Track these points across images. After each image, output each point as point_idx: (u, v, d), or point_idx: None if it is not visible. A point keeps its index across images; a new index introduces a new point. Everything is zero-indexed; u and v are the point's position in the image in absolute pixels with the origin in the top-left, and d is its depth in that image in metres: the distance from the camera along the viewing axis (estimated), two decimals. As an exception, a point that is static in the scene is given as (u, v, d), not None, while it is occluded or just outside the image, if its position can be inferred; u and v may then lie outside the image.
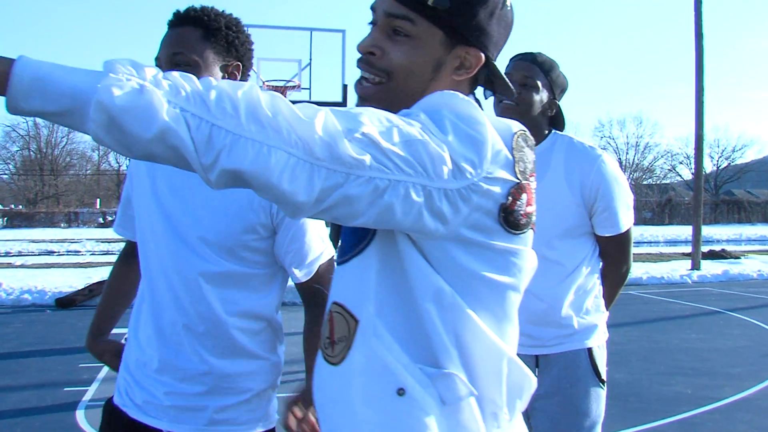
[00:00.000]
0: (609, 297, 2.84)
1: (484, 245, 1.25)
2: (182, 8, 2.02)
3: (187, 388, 1.94)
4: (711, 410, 6.05)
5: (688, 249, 21.04)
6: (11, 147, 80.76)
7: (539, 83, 2.69)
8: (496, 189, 1.22)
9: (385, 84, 1.33)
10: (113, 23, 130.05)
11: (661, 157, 76.64)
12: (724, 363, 7.92)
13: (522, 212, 1.27)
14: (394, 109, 1.24)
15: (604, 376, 2.71)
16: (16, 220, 57.20)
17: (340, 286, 1.37)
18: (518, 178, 1.26)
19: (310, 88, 14.53)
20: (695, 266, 18.24)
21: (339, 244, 1.40)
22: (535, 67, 2.72)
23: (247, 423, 1.99)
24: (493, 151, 1.21)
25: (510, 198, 1.25)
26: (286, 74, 14.49)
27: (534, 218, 1.33)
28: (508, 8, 1.38)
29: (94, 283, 13.04)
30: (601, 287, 2.79)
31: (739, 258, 21.87)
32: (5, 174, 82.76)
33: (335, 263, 1.56)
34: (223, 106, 1.06)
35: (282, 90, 14.28)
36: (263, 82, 14.24)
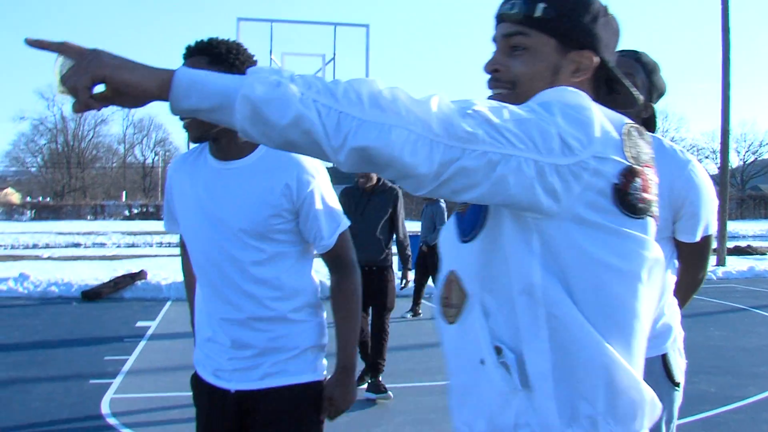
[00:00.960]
0: (681, 302, 2.79)
1: (602, 227, 1.32)
2: (192, 42, 2.32)
3: (244, 353, 2.30)
4: (735, 409, 6.00)
5: (713, 245, 20.81)
6: (39, 140, 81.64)
7: (639, 83, 2.64)
8: (607, 168, 1.30)
9: (511, 91, 1.47)
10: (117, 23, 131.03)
11: (687, 151, 75.68)
12: (749, 362, 7.84)
13: (638, 196, 1.34)
14: None
15: (678, 379, 2.65)
16: (43, 213, 57.88)
17: (459, 260, 1.51)
18: (629, 162, 1.33)
19: (334, 83, 14.50)
20: (720, 262, 18.05)
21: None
22: (638, 66, 2.68)
23: (295, 374, 2.34)
24: (601, 132, 1.30)
25: (622, 179, 1.32)
26: (310, 69, 14.52)
27: (655, 208, 1.40)
28: (612, 16, 1.53)
29: (119, 277, 13.16)
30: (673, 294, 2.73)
31: (765, 254, 21.64)
32: (33, 167, 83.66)
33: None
34: (349, 96, 1.20)
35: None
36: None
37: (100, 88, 1.27)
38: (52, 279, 13.40)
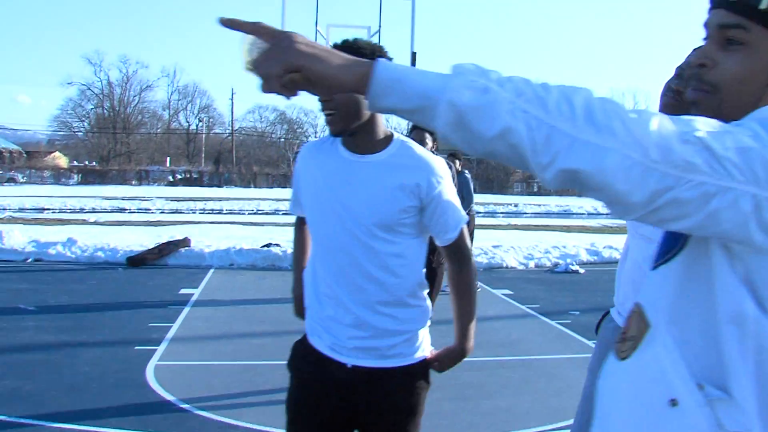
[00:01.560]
0: None
1: None
2: (339, 41, 2.39)
3: (365, 333, 2.48)
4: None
5: None
6: (86, 105, 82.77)
7: None
8: None
9: (712, 96, 1.32)
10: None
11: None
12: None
13: None
14: (723, 120, 1.22)
15: None
16: (89, 177, 58.81)
17: (645, 289, 1.41)
18: None
19: (378, 55, 14.44)
20: None
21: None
22: None
23: (409, 354, 2.55)
24: None
25: None
26: (355, 41, 14.49)
27: None
28: None
29: (163, 243, 13.37)
30: None
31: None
32: (80, 131, 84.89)
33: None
34: (561, 108, 1.11)
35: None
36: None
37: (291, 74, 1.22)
38: (99, 244, 13.66)
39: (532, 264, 13.71)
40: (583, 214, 33.29)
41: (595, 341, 3.04)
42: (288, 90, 1.23)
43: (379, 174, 2.43)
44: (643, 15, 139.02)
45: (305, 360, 2.63)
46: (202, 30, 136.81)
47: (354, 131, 2.41)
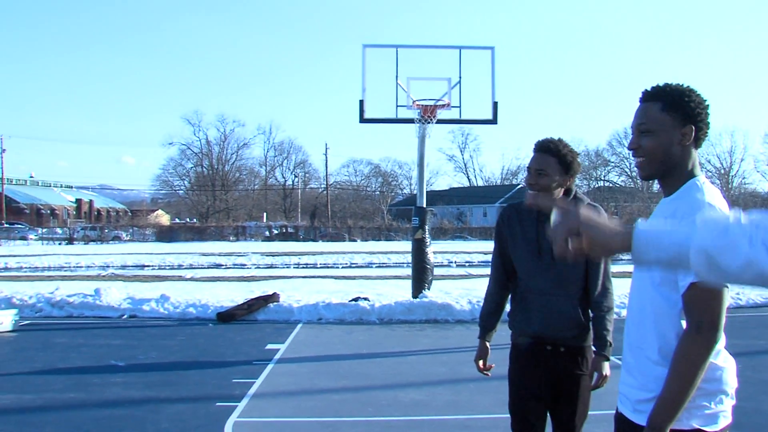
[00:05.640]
0: None
1: None
2: (648, 88, 2.54)
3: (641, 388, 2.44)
4: None
5: None
6: (186, 164, 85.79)
7: None
8: None
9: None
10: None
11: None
12: None
13: None
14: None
15: None
16: (189, 234, 60.51)
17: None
18: None
19: (460, 107, 14.45)
20: None
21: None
22: None
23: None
24: None
25: None
26: (436, 93, 14.51)
27: None
28: None
29: (252, 299, 13.54)
30: None
31: None
32: (181, 189, 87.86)
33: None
34: None
35: (431, 109, 14.32)
36: (413, 102, 14.33)
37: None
38: (191, 300, 13.93)
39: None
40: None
41: None
42: (573, 252, 1.58)
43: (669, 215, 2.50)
44: (740, 53, 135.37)
45: None
46: (296, 87, 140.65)
47: (662, 175, 2.51)
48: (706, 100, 2.53)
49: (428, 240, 14.50)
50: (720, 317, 2.22)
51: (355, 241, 57.19)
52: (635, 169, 2.76)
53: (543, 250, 3.65)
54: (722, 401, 2.35)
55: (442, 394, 7.47)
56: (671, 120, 2.49)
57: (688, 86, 2.54)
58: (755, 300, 14.55)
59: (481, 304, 3.99)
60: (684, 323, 2.30)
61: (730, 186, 78.02)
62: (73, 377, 8.35)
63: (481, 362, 3.86)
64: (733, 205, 2.34)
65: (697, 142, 2.53)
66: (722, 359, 2.38)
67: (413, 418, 6.55)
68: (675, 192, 2.50)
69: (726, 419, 2.36)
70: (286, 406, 7.13)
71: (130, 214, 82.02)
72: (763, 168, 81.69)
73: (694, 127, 2.49)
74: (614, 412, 2.57)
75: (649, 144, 2.50)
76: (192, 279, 21.57)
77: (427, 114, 14.29)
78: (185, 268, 27.48)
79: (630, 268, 2.51)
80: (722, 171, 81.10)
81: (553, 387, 3.66)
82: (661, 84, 2.56)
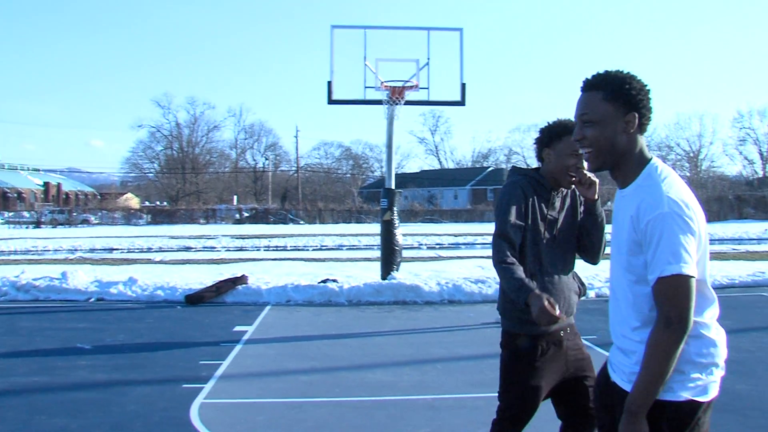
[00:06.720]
0: None
1: None
2: (588, 77, 2.58)
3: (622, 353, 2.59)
4: None
5: None
6: (156, 147, 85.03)
7: None
8: None
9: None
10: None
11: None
12: None
13: None
14: None
15: None
16: (159, 217, 60.04)
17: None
18: None
19: (428, 88, 14.42)
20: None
21: None
22: None
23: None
24: None
25: None
26: (405, 74, 14.48)
27: None
28: None
29: (221, 281, 13.49)
30: None
31: None
32: (150, 172, 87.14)
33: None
34: None
35: (400, 90, 14.29)
36: (382, 83, 14.29)
37: None
38: (159, 283, 13.85)
39: (592, 294, 13.35)
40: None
41: None
42: None
43: (625, 205, 2.55)
44: (709, 39, 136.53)
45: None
46: (267, 69, 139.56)
47: (612, 167, 2.57)
48: (647, 86, 2.56)
49: (397, 222, 14.50)
50: (688, 310, 2.33)
51: (315, 224, 57.02)
52: (585, 161, 2.76)
53: (555, 230, 3.62)
54: (713, 372, 2.47)
55: (410, 374, 7.52)
56: (614, 109, 2.52)
57: (629, 73, 2.56)
58: (745, 280, 14.70)
59: (501, 275, 3.39)
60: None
61: (698, 169, 78.83)
62: (37, 360, 8.30)
63: (548, 304, 3.14)
64: (700, 187, 2.38)
65: (642, 128, 2.56)
66: (714, 332, 2.50)
67: (380, 398, 6.59)
68: (633, 182, 2.53)
69: (715, 388, 2.49)
70: (253, 387, 7.14)
71: (99, 197, 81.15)
72: (732, 151, 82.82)
73: (637, 114, 2.52)
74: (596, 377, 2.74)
75: (593, 134, 2.55)
76: (161, 262, 21.42)
77: (396, 95, 14.26)
78: (154, 251, 27.27)
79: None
80: (691, 155, 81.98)
81: (563, 375, 3.63)
82: (601, 72, 2.59)
